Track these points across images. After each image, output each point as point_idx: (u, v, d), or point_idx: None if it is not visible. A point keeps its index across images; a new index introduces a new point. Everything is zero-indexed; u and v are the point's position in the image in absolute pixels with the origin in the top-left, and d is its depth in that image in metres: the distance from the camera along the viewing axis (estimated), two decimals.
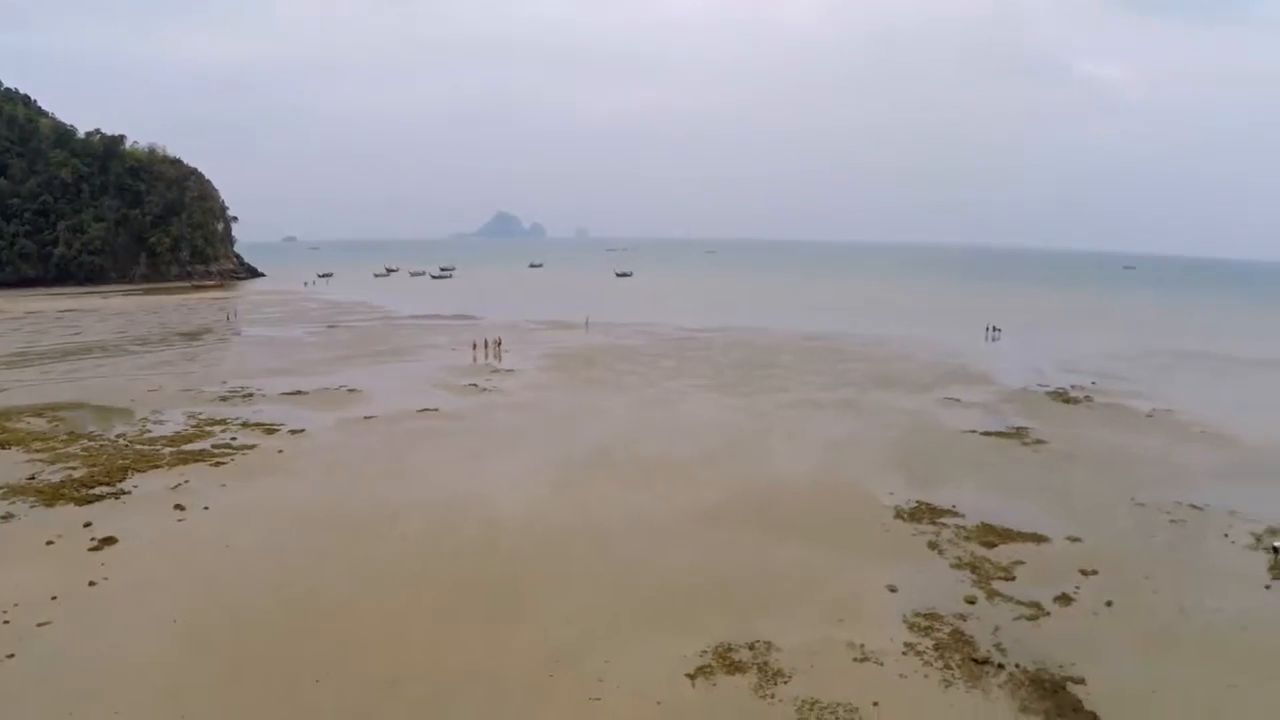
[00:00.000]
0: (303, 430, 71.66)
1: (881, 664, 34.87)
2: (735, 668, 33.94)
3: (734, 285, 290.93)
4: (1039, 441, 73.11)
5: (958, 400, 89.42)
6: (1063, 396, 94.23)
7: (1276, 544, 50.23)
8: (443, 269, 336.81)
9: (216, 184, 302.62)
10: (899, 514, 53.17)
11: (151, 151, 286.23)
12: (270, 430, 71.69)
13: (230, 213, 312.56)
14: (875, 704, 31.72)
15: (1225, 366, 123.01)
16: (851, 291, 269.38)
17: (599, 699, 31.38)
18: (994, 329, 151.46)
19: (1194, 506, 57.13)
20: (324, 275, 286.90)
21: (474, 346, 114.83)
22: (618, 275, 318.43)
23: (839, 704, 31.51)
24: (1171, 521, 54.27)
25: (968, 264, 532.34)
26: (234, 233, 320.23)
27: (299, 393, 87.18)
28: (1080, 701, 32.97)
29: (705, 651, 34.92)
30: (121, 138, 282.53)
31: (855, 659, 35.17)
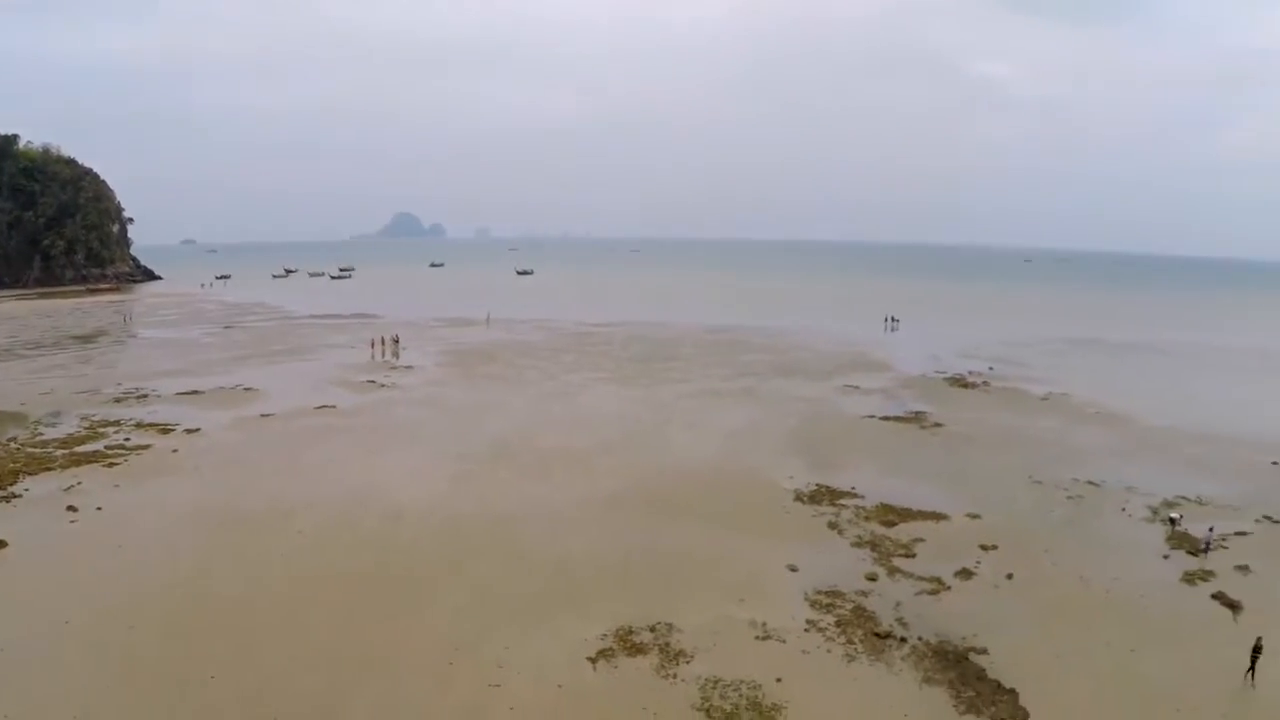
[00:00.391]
0: (198, 429, 69.36)
1: (784, 641, 34.94)
2: (637, 649, 33.82)
3: (640, 282, 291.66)
4: (937, 425, 74.42)
5: (857, 387, 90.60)
6: (960, 382, 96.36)
7: (1173, 515, 51.85)
8: (342, 269, 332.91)
9: (111, 184, 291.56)
10: (799, 497, 53.44)
11: (46, 151, 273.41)
12: (165, 430, 69.19)
13: (126, 214, 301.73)
14: (779, 680, 31.76)
15: (1114, 351, 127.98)
16: (760, 285, 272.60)
17: (499, 685, 31.01)
18: (893, 319, 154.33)
19: (1091, 483, 58.70)
20: (222, 277, 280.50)
21: (372, 344, 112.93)
22: (519, 273, 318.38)
23: (742, 681, 31.51)
24: (1069, 498, 55.58)
25: (867, 259, 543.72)
26: (130, 235, 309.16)
27: (195, 393, 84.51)
28: (984, 670, 33.35)
29: (606, 635, 34.79)
30: (15, 137, 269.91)
31: (757, 637, 35.23)
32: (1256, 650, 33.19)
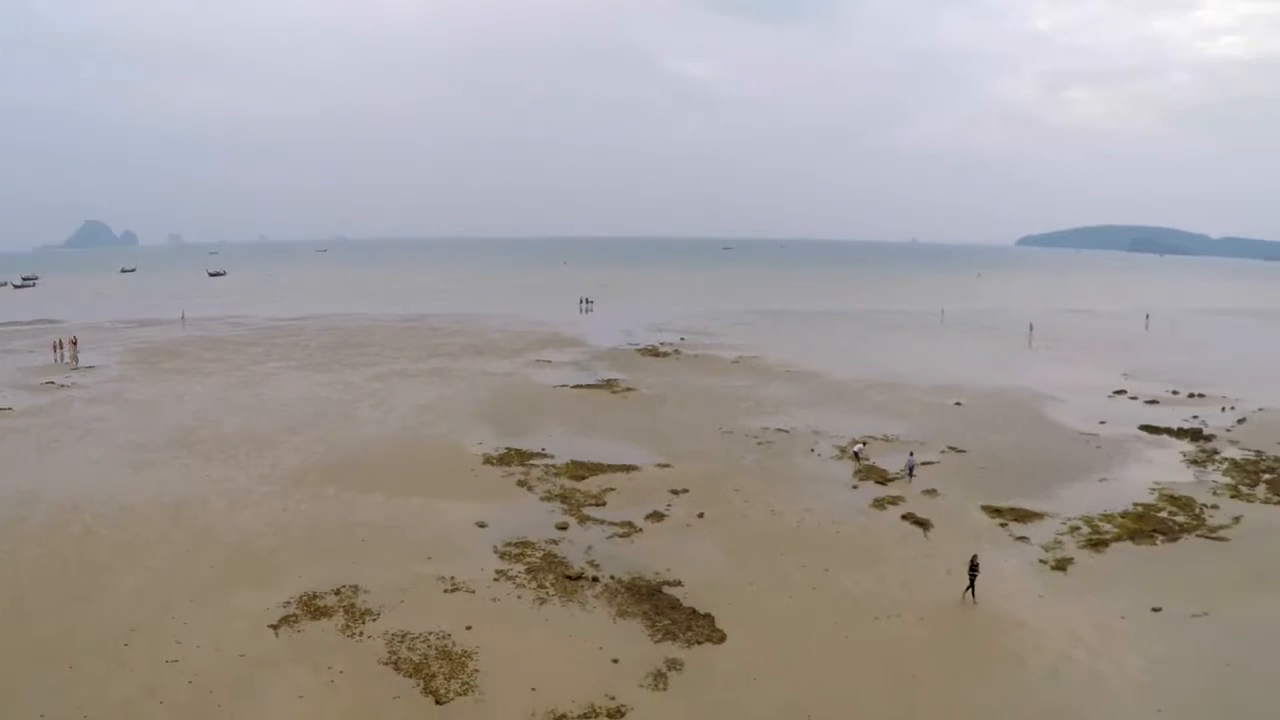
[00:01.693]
0: None
1: (473, 592, 35.30)
2: (321, 613, 33.33)
3: (335, 278, 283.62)
4: (629, 389, 77.11)
5: (549, 361, 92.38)
6: (652, 351, 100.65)
7: (857, 449, 56.39)
8: (25, 278, 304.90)
9: None
10: (488, 460, 54.01)
11: None
12: None
13: None
14: (468, 628, 31.96)
15: (803, 319, 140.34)
16: (456, 278, 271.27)
17: (177, 660, 29.72)
18: (587, 301, 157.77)
19: (781, 430, 62.86)
20: None
21: (54, 347, 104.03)
22: (210, 275, 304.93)
23: (430, 632, 31.60)
24: (759, 444, 59.16)
25: (570, 250, 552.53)
26: None
27: None
28: (678, 600, 34.66)
29: (290, 602, 34.12)
30: None
31: (446, 590, 35.47)
32: (973, 568, 35.94)
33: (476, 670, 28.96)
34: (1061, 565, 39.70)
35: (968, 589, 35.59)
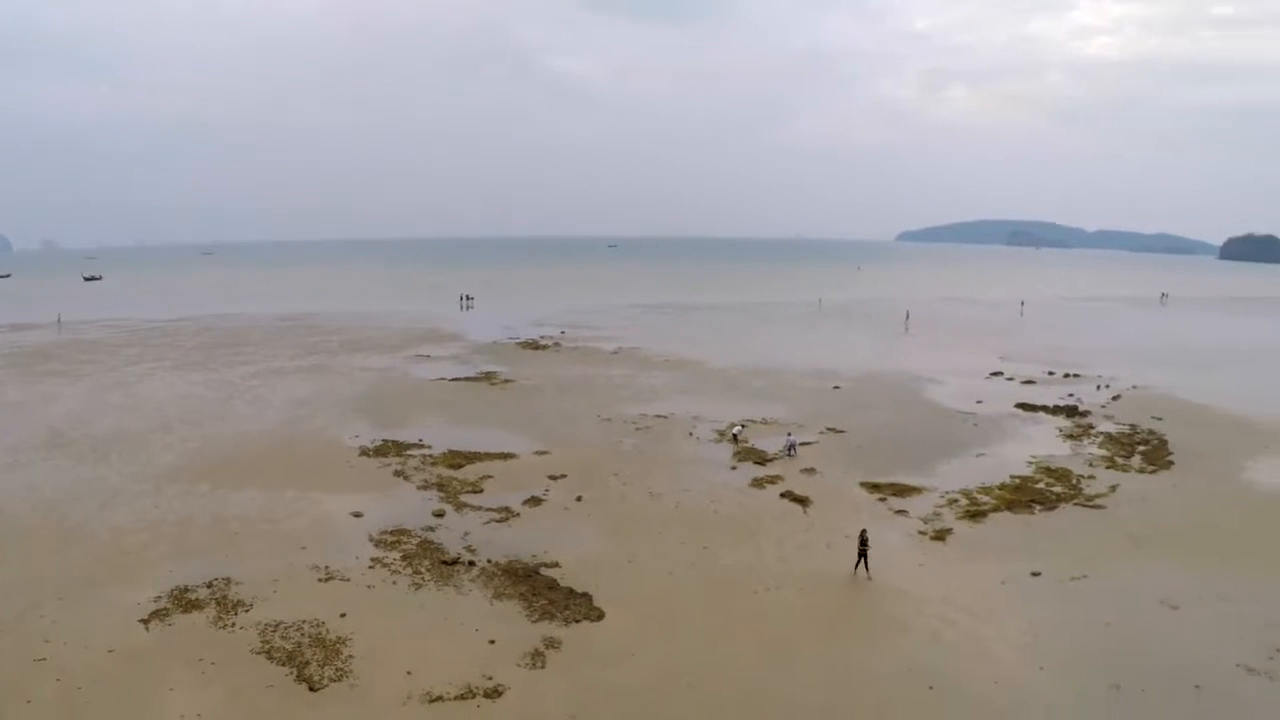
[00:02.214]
0: None
1: (348, 580, 34.91)
2: (192, 606, 32.57)
3: (215, 281, 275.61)
4: (507, 381, 77.04)
5: (428, 356, 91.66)
6: (533, 345, 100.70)
7: (735, 431, 57.30)
8: None
9: None
10: (364, 452, 53.49)
11: None
12: None
13: None
14: (343, 615, 31.54)
15: (684, 312, 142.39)
16: (338, 279, 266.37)
17: (44, 659, 28.68)
18: (467, 298, 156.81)
19: (659, 416, 63.53)
20: None
21: None
22: (86, 279, 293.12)
23: (304, 621, 31.11)
24: (638, 429, 59.69)
25: (452, 252, 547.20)
26: None
27: None
28: (556, 581, 34.72)
29: (160, 597, 33.25)
30: None
31: (320, 579, 34.97)
32: (863, 543, 36.38)
33: (351, 656, 28.54)
34: (940, 536, 40.86)
35: (859, 563, 36.00)
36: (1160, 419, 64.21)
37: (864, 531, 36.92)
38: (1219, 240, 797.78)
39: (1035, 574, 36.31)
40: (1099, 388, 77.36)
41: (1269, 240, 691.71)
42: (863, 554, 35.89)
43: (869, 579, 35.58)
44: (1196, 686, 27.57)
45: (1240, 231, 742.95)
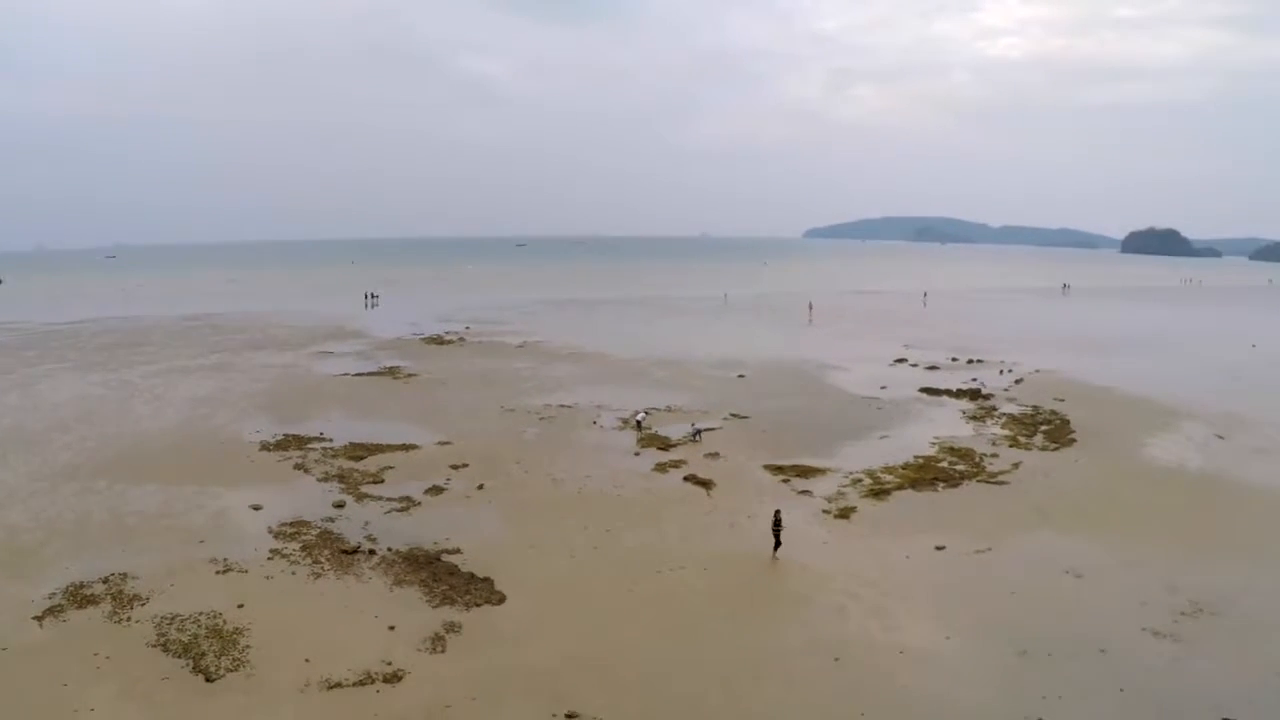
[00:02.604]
0: None
1: (246, 571, 34.45)
2: (88, 601, 31.88)
3: (118, 283, 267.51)
4: (411, 375, 76.48)
5: (331, 353, 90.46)
6: (437, 340, 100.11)
7: (639, 418, 58.01)
8: None
9: None
10: (265, 447, 52.68)
11: None
12: None
13: None
14: (240, 606, 31.13)
15: (589, 306, 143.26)
16: (242, 279, 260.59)
17: None
18: (372, 296, 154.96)
19: (563, 406, 63.74)
20: None
21: None
22: None
23: (201, 613, 30.60)
24: (541, 419, 59.78)
25: (358, 251, 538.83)
26: None
27: None
28: (457, 566, 34.68)
29: (55, 594, 32.46)
30: None
31: (218, 572, 34.43)
32: (777, 524, 36.63)
33: (248, 646, 28.16)
34: (844, 514, 41.62)
35: (776, 545, 36.15)
36: (1062, 400, 66.26)
37: (778, 512, 37.30)
38: (1121, 234, 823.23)
39: (939, 548, 37.26)
40: (1002, 372, 79.44)
41: (1170, 234, 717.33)
42: (777, 534, 36.12)
43: (775, 558, 35.91)
44: (1102, 650, 28.51)
45: (1142, 226, 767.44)
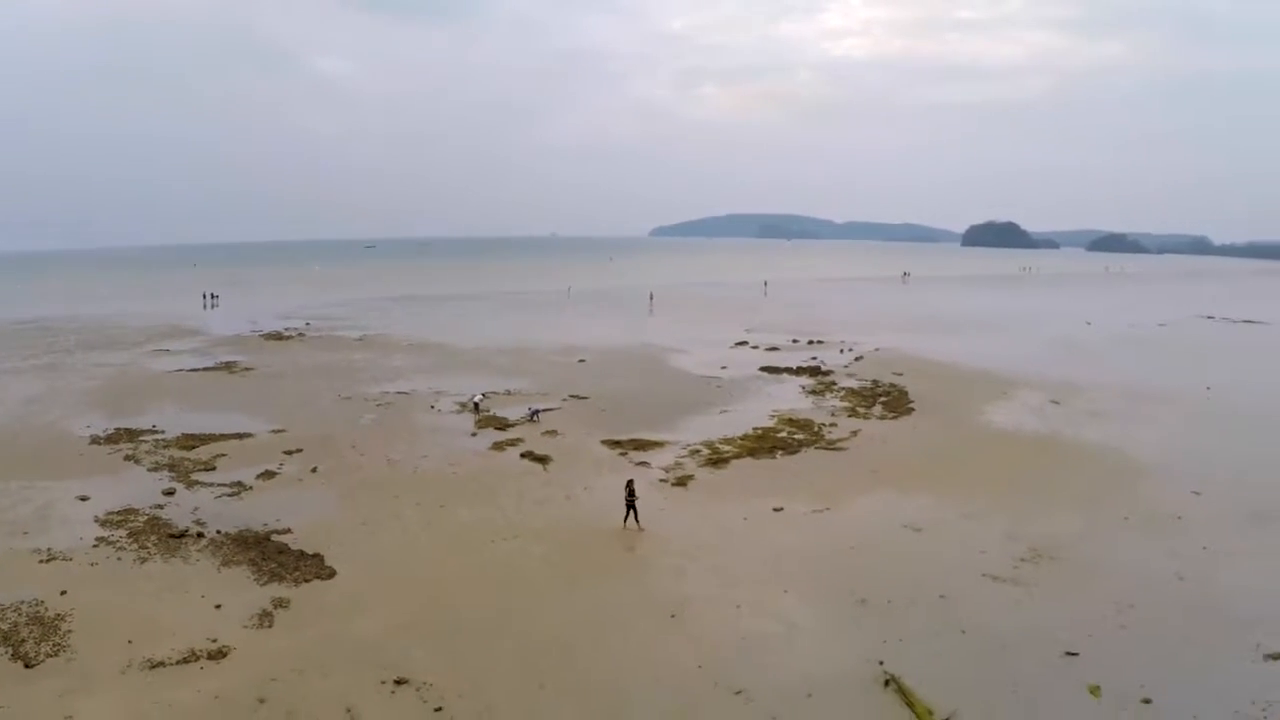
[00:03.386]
0: None
1: (70, 559, 32.95)
2: None
3: None
4: (248, 369, 74.35)
5: (167, 350, 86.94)
6: (276, 336, 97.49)
7: (477, 400, 57.93)
8: None
9: None
10: (95, 441, 50.32)
11: None
12: None
13: None
14: (63, 592, 29.77)
15: (431, 302, 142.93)
16: (75, 283, 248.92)
17: None
18: (212, 296, 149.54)
19: (401, 393, 63.15)
20: None
21: None
22: None
23: (21, 602, 29.10)
24: (379, 406, 59.05)
25: (200, 255, 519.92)
26: None
27: None
28: (286, 545, 33.96)
29: None
30: None
31: (41, 561, 32.81)
32: (630, 493, 36.41)
33: (70, 631, 26.94)
34: (682, 482, 42.11)
35: (628, 514, 35.96)
36: (901, 374, 68.79)
37: (631, 482, 37.19)
38: (963, 229, 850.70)
39: (778, 509, 37.95)
40: (842, 351, 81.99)
41: (1009, 227, 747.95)
42: (630, 505, 35.99)
43: (639, 529, 35.79)
44: (942, 596, 29.41)
45: (983, 220, 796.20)
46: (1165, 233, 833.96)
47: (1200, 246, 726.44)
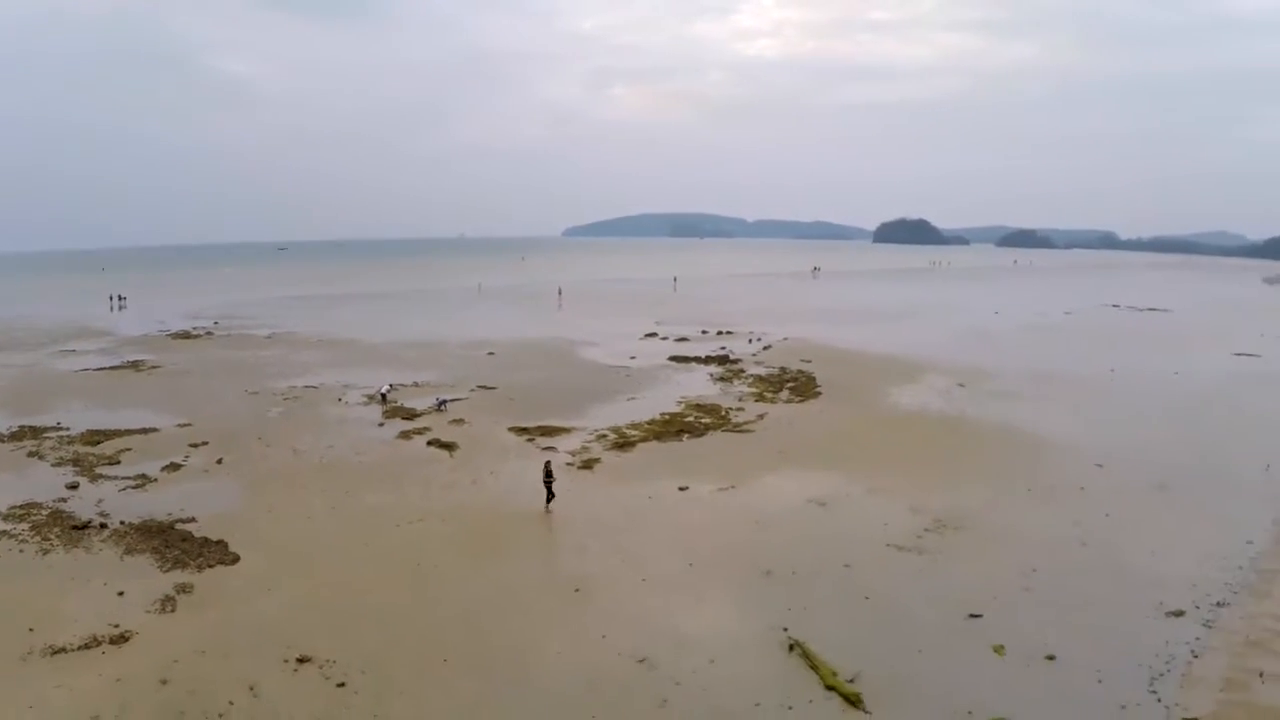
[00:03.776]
0: None
1: None
2: None
3: None
4: (154, 367, 72.84)
5: (73, 351, 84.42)
6: (184, 335, 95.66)
7: (384, 391, 57.90)
8: None
9: None
10: None
11: None
12: None
13: None
14: None
15: (343, 300, 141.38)
16: None
17: None
18: (119, 298, 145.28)
19: (309, 386, 62.61)
20: None
21: None
22: None
23: None
24: (286, 399, 58.53)
25: (108, 259, 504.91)
26: None
27: None
28: (190, 533, 33.64)
29: None
30: None
31: None
32: (548, 475, 36.65)
33: None
34: (588, 465, 42.52)
35: (549, 498, 36.18)
36: (809, 361, 69.87)
37: (548, 463, 37.58)
38: (874, 227, 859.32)
39: (683, 489, 38.52)
40: (751, 341, 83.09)
41: (920, 223, 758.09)
42: (548, 487, 36.18)
43: (549, 512, 35.98)
44: (846, 566, 30.11)
45: (894, 218, 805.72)
46: (1074, 228, 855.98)
47: (1107, 241, 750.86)
